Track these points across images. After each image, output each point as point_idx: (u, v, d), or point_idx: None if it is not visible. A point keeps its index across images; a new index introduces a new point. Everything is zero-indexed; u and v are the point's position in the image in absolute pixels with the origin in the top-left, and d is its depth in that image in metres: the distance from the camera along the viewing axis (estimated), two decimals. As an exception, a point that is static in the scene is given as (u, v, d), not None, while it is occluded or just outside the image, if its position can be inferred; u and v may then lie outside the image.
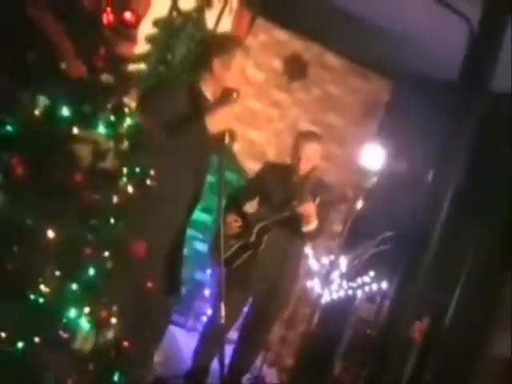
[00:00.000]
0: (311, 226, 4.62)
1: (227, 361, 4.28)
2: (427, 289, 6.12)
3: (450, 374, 6.45)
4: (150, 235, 3.13)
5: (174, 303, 3.77)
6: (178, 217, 3.54)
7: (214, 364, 4.63)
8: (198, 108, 3.48)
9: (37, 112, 2.12)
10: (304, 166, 4.77)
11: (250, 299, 4.79)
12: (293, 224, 4.63)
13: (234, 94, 3.49)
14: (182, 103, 3.46)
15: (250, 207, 4.92)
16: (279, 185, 4.81)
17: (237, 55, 3.56)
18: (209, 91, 3.57)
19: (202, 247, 6.50)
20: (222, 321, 3.47)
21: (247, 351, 4.83)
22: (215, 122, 3.43)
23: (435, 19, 5.69)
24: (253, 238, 4.72)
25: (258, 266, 4.67)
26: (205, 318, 6.57)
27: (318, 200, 4.56)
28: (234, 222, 4.71)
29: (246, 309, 4.85)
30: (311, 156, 4.78)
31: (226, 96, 3.49)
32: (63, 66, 2.18)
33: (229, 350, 4.46)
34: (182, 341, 5.86)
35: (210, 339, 4.61)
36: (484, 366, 6.24)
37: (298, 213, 4.57)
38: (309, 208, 4.55)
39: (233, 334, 5.00)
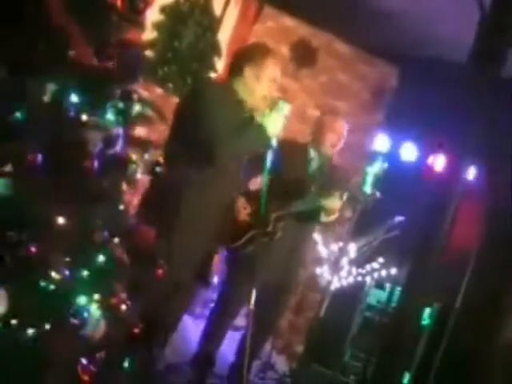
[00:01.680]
0: (332, 217, 4.54)
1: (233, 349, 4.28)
2: (438, 275, 6.13)
3: (460, 360, 6.44)
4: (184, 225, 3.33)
5: (198, 293, 3.81)
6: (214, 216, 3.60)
7: (221, 351, 4.65)
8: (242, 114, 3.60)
9: (46, 99, 2.12)
10: (330, 140, 4.63)
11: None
12: (311, 214, 4.54)
13: (285, 107, 3.63)
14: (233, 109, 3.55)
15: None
16: (296, 167, 4.67)
17: (268, 66, 3.63)
18: (244, 97, 3.63)
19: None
20: (252, 307, 3.46)
21: (256, 337, 4.81)
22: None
23: (444, 2, 5.65)
24: (270, 228, 4.64)
25: (268, 253, 4.62)
26: (212, 305, 6.60)
27: (345, 196, 4.42)
28: (243, 209, 4.63)
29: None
30: (337, 129, 4.64)
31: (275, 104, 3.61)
32: (72, 52, 2.18)
33: (235, 336, 4.46)
34: (190, 328, 5.87)
35: (217, 325, 4.61)
36: (495, 351, 6.23)
37: (322, 205, 4.45)
38: (335, 204, 4.43)
39: (239, 321, 4.99)
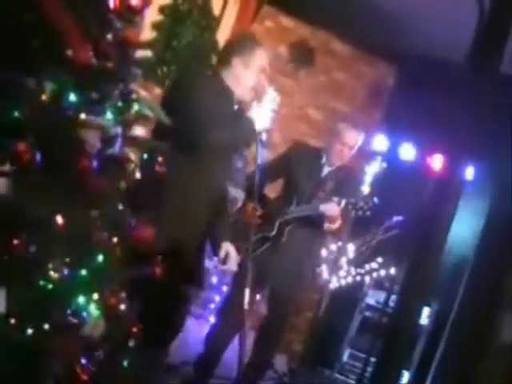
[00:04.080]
0: (334, 225, 4.52)
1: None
2: (436, 274, 6.12)
3: (459, 359, 6.45)
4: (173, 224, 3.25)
5: (194, 294, 3.76)
6: (202, 208, 3.52)
7: (226, 354, 4.62)
8: (231, 106, 3.54)
9: (44, 98, 2.11)
10: (343, 153, 4.60)
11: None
12: (315, 220, 4.51)
13: (275, 98, 3.53)
14: (219, 99, 3.47)
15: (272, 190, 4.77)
16: (308, 170, 4.65)
17: (257, 55, 3.57)
18: (233, 87, 3.57)
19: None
20: (246, 306, 3.42)
21: (266, 345, 4.76)
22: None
23: (443, 1, 5.64)
24: (274, 232, 4.61)
25: (279, 259, 4.57)
26: (213, 306, 6.59)
27: (343, 203, 4.40)
28: (254, 211, 4.58)
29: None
30: (347, 141, 4.57)
31: (263, 95, 3.53)
32: (70, 51, 2.17)
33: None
34: (190, 328, 5.86)
35: (225, 325, 4.59)
36: (493, 351, 6.24)
37: (321, 212, 4.44)
38: (333, 210, 4.41)
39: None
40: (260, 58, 3.57)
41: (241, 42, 3.62)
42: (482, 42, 4.71)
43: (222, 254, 3.67)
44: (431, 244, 4.82)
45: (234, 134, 3.46)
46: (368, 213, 4.39)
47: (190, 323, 6.00)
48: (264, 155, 3.64)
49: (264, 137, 3.50)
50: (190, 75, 3.77)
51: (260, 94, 3.53)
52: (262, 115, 3.48)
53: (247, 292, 3.46)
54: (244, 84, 3.54)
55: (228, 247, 3.70)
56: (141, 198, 3.24)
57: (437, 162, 5.68)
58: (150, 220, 2.53)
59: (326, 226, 4.51)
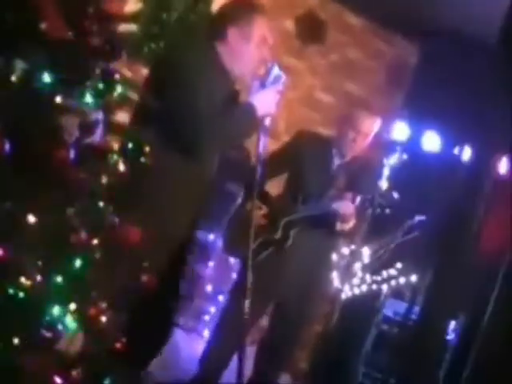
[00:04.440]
0: (347, 225, 4.50)
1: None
2: (464, 283, 6.13)
3: (490, 380, 6.45)
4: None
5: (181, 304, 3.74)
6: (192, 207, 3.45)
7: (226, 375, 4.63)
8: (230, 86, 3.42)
9: (13, 78, 2.11)
10: (357, 143, 4.57)
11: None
12: (326, 220, 4.49)
13: (281, 73, 3.40)
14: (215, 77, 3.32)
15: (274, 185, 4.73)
16: (316, 163, 4.61)
17: (257, 23, 3.42)
18: (229, 65, 3.41)
19: (203, 236, 6.50)
20: (246, 318, 3.37)
21: (270, 364, 4.76)
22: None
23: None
24: (279, 235, 4.58)
25: (286, 267, 4.55)
26: (207, 317, 6.60)
27: (358, 200, 4.39)
28: (257, 210, 4.51)
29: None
30: (364, 129, 4.54)
31: (267, 72, 3.40)
32: (43, 25, 2.17)
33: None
34: (182, 343, 5.88)
35: (224, 341, 4.58)
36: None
37: (333, 211, 4.42)
38: (346, 208, 4.40)
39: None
40: (261, 27, 3.42)
41: (236, 9, 3.45)
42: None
43: None
44: (459, 247, 4.82)
45: (236, 130, 3.35)
46: (387, 210, 4.38)
47: (181, 337, 6.02)
48: (266, 145, 3.46)
49: (267, 123, 3.36)
50: (178, 50, 3.60)
51: (263, 71, 3.40)
52: (266, 98, 3.36)
53: (247, 303, 3.41)
54: (243, 59, 3.40)
55: None
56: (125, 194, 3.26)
57: (465, 153, 5.68)
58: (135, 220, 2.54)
59: (339, 226, 4.50)
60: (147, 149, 2.69)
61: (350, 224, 4.50)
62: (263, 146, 3.37)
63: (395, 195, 4.38)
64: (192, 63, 3.28)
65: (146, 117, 3.24)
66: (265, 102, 3.35)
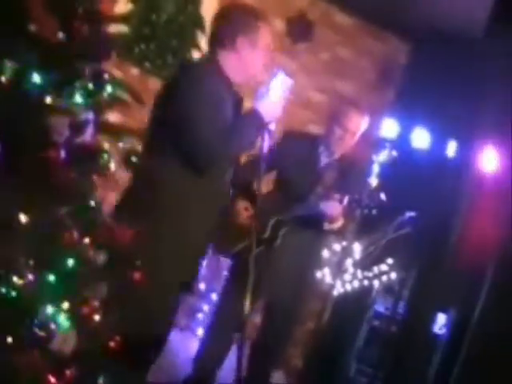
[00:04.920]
0: (335, 225, 4.49)
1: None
2: (454, 278, 6.13)
3: (481, 375, 6.45)
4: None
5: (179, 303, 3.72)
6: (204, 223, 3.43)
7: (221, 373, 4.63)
8: (235, 98, 3.41)
9: (3, 79, 2.11)
10: (345, 140, 4.57)
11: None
12: (313, 220, 4.48)
13: (286, 78, 3.38)
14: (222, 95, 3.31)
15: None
16: (301, 162, 4.60)
17: (263, 31, 3.42)
18: (232, 74, 3.41)
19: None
20: (247, 317, 3.36)
21: (263, 362, 4.75)
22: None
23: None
24: (267, 234, 4.57)
25: (275, 266, 4.54)
26: (200, 316, 6.60)
27: (346, 200, 4.37)
28: (245, 211, 4.51)
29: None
30: (351, 127, 4.52)
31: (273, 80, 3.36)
32: (33, 26, 2.17)
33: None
34: (175, 341, 5.86)
35: (218, 340, 4.58)
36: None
37: (321, 212, 4.41)
38: (334, 209, 4.39)
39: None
40: (266, 35, 3.43)
41: (243, 17, 3.42)
42: (499, 16, 4.74)
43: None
44: (445, 241, 4.83)
45: (243, 141, 3.33)
46: (374, 211, 4.37)
47: (175, 336, 6.01)
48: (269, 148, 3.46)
49: (273, 127, 3.36)
50: (188, 64, 3.69)
51: (267, 77, 3.38)
52: (272, 103, 3.33)
53: (248, 300, 3.38)
54: (252, 67, 3.41)
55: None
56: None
57: (452, 149, 5.69)
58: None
59: (327, 226, 4.49)
60: (138, 148, 2.68)
61: (338, 224, 4.49)
62: (267, 149, 3.37)
63: (382, 196, 4.37)
64: (194, 82, 3.27)
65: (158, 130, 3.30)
66: (270, 107, 3.33)
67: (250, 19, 3.41)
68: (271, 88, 3.34)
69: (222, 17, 3.49)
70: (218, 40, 3.42)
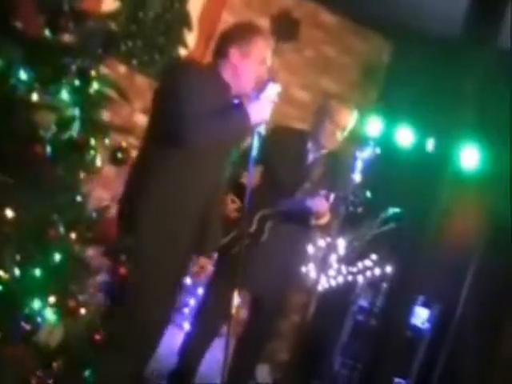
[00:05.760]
0: (322, 220, 4.49)
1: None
2: (437, 274, 6.15)
3: (463, 368, 6.49)
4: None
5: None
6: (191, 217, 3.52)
7: (203, 365, 4.63)
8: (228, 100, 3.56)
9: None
10: (336, 136, 4.56)
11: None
12: (300, 215, 4.48)
13: (276, 86, 3.60)
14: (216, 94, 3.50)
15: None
16: (289, 157, 4.60)
17: (257, 45, 3.59)
18: (230, 82, 3.58)
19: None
20: (233, 311, 3.41)
21: (248, 356, 4.76)
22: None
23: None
24: (253, 228, 4.55)
25: (260, 260, 4.52)
26: (186, 310, 6.59)
27: (332, 197, 4.36)
28: (231, 204, 4.50)
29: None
30: (340, 121, 4.54)
31: (264, 87, 3.57)
32: (20, 22, 2.16)
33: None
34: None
35: (200, 333, 4.58)
36: (503, 360, 6.28)
37: (307, 208, 4.41)
38: (321, 205, 4.38)
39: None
40: (261, 49, 3.59)
41: (237, 30, 3.64)
42: (476, 13, 4.77)
43: (196, 268, 3.74)
44: (423, 237, 4.84)
45: (229, 130, 3.49)
46: (359, 208, 4.38)
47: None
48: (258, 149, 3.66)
49: (262, 130, 3.58)
50: (183, 65, 3.84)
51: (260, 87, 3.56)
52: (260, 107, 3.52)
53: (236, 295, 3.50)
54: (243, 76, 3.56)
55: (206, 263, 3.79)
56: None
57: (430, 146, 5.71)
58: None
59: (313, 222, 4.49)
60: (124, 145, 2.68)
61: (325, 220, 4.50)
62: (255, 150, 3.60)
63: (368, 194, 4.38)
64: (187, 72, 3.49)
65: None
66: (259, 110, 3.52)
67: (244, 32, 3.61)
68: (261, 94, 3.55)
69: (222, 33, 3.71)
70: (216, 50, 3.63)
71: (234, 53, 3.54)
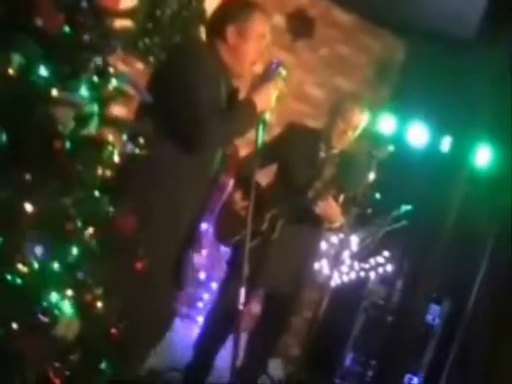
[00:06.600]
0: (334, 224, 4.47)
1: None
2: (448, 269, 6.14)
3: (475, 364, 6.47)
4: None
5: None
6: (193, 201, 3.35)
7: (219, 359, 4.63)
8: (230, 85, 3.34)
9: (10, 71, 2.10)
10: (347, 135, 4.52)
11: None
12: (312, 216, 4.44)
13: (281, 70, 3.34)
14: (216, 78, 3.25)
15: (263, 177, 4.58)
16: (305, 155, 4.55)
17: (255, 21, 3.33)
18: (228, 63, 3.33)
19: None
20: (241, 307, 3.30)
21: (261, 351, 4.76)
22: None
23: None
24: (265, 226, 4.51)
25: (272, 258, 4.51)
26: (201, 305, 6.61)
27: (342, 197, 4.36)
28: (241, 202, 4.45)
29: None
30: (353, 121, 4.49)
31: (268, 71, 3.33)
32: (39, 19, 2.17)
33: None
34: (176, 329, 5.87)
35: (216, 328, 4.58)
36: (510, 355, 6.26)
37: (317, 212, 4.37)
38: (330, 210, 4.37)
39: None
40: (259, 24, 3.34)
41: (233, 8, 3.37)
42: (493, 15, 4.74)
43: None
44: (438, 233, 4.83)
45: (236, 127, 3.26)
46: (369, 210, 4.35)
47: (176, 324, 6.01)
48: (264, 138, 3.37)
49: (268, 117, 3.30)
50: (181, 47, 3.56)
51: (262, 67, 3.34)
52: (266, 93, 3.28)
53: (243, 291, 3.33)
54: (241, 56, 3.32)
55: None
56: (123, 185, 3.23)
57: (446, 145, 5.69)
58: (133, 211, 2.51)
59: (327, 226, 4.47)
60: (142, 140, 2.68)
61: (337, 224, 4.47)
62: (262, 140, 3.32)
63: (377, 196, 4.36)
64: (193, 59, 3.21)
65: (148, 112, 3.17)
66: (264, 97, 3.28)
67: (240, 9, 3.34)
68: (266, 78, 3.30)
69: (216, 8, 3.46)
70: (212, 30, 3.39)
71: (231, 32, 3.29)
